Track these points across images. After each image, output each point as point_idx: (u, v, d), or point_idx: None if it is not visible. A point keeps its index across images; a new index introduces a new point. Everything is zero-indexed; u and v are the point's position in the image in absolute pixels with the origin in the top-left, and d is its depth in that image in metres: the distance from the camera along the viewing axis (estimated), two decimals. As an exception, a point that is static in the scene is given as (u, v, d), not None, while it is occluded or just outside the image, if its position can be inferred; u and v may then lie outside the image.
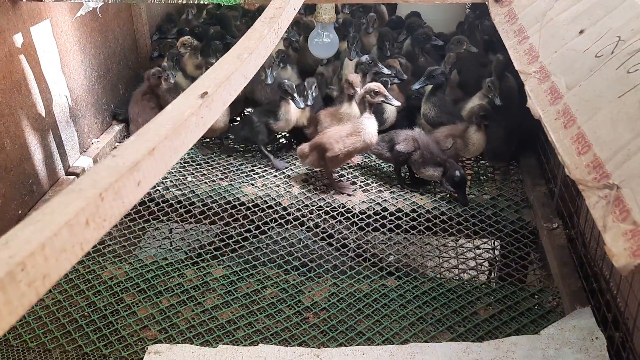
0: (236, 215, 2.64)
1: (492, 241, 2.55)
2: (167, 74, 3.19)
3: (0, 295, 0.63)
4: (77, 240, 0.76)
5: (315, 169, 2.94)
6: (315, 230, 2.57)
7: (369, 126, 2.69)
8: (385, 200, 2.73)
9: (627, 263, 1.07)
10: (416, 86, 2.96)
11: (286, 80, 2.98)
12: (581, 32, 1.77)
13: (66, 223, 0.74)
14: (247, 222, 2.61)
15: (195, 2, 3.08)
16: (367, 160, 3.10)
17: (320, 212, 2.65)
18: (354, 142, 2.68)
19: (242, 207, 2.69)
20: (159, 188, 2.82)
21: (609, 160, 1.30)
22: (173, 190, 2.82)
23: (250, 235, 2.53)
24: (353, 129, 2.70)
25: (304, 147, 2.81)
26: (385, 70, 2.99)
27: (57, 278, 0.72)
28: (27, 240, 0.69)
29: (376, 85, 2.68)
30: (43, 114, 2.65)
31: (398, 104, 2.74)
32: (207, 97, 1.17)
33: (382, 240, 2.52)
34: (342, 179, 2.92)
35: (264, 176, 2.95)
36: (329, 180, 2.83)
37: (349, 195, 2.76)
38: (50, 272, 0.71)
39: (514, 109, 2.85)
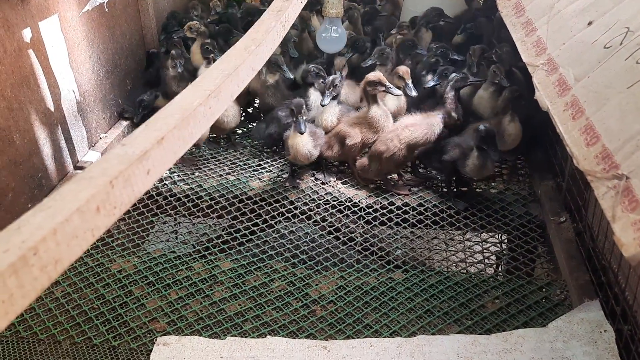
0: (243, 210, 2.65)
1: (500, 235, 2.54)
2: (175, 63, 3.19)
3: (13, 279, 0.64)
4: (88, 226, 0.77)
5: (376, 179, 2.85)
6: (322, 224, 2.57)
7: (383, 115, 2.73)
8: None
9: (637, 253, 1.07)
10: (430, 84, 2.91)
11: (297, 98, 2.85)
12: (589, 23, 1.76)
13: (77, 209, 0.75)
14: (254, 216, 2.62)
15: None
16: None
17: (327, 206, 2.66)
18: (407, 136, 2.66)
19: (249, 202, 2.70)
20: (167, 182, 2.83)
21: (618, 150, 1.30)
22: (180, 184, 2.83)
23: (257, 229, 2.54)
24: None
25: (364, 160, 2.79)
26: (395, 91, 2.89)
27: (68, 263, 0.73)
28: (39, 226, 0.70)
29: (374, 76, 2.69)
30: (52, 109, 2.67)
31: (399, 92, 2.74)
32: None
33: (389, 234, 2.52)
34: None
35: (270, 170, 2.95)
36: (386, 183, 2.80)
37: (406, 194, 2.74)
38: (62, 257, 0.72)
39: (523, 104, 2.83)
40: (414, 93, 2.81)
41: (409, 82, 2.83)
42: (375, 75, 2.69)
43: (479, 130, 2.48)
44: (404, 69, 2.85)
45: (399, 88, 2.78)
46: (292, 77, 3.16)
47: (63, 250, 0.72)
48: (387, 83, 2.67)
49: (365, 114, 2.75)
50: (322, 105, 2.83)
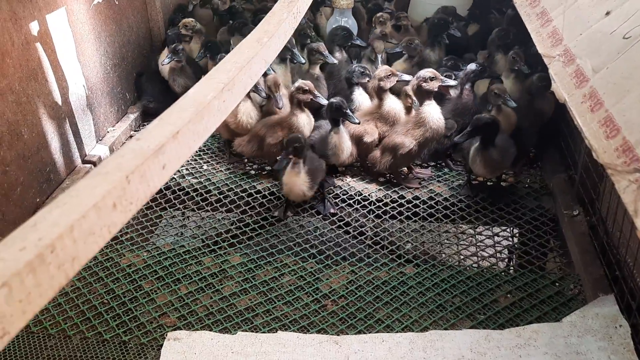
0: (253, 204, 2.63)
1: (512, 229, 2.52)
2: (171, 56, 3.15)
3: (30, 277, 0.62)
4: (105, 222, 0.75)
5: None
6: (332, 218, 2.55)
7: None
8: (402, 187, 2.71)
9: (661, 248, 1.04)
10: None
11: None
12: (607, 13, 1.73)
13: (94, 205, 0.73)
14: (263, 210, 2.60)
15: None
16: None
17: (337, 200, 2.64)
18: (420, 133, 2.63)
19: (258, 195, 2.68)
20: (175, 176, 2.82)
21: (639, 143, 1.27)
22: (189, 178, 2.82)
23: (267, 223, 2.52)
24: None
25: (375, 153, 2.75)
26: (406, 77, 2.79)
27: (85, 261, 0.71)
28: (55, 223, 0.69)
29: (385, 70, 2.69)
30: (59, 103, 2.65)
31: (409, 77, 2.73)
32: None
33: (400, 228, 2.49)
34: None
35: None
36: (397, 177, 2.77)
37: (416, 188, 2.71)
38: (79, 254, 0.70)
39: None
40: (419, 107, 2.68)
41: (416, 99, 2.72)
42: (386, 69, 2.68)
43: (474, 119, 2.42)
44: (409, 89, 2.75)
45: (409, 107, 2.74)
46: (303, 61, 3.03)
47: (80, 248, 0.70)
48: (399, 73, 2.66)
49: (377, 108, 2.73)
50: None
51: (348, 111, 2.51)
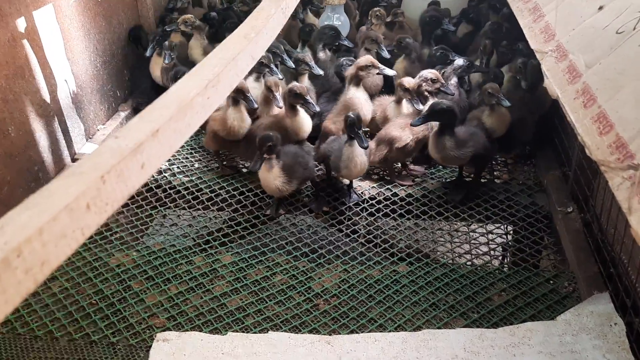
0: (245, 202, 2.60)
1: (505, 226, 2.50)
2: (165, 54, 3.12)
3: (-5, 283, 0.59)
4: (78, 225, 0.72)
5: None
6: (324, 216, 2.52)
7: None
8: (395, 185, 2.68)
9: (655, 246, 1.02)
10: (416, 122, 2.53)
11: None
12: (600, 8, 1.70)
13: (66, 207, 0.70)
14: (255, 208, 2.57)
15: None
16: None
17: (329, 197, 2.61)
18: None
19: (250, 194, 2.65)
20: (166, 175, 2.79)
21: (632, 139, 1.25)
22: (180, 177, 2.78)
23: (259, 222, 2.49)
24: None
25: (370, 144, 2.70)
26: (389, 72, 2.81)
27: (56, 265, 0.68)
28: (23, 225, 0.66)
29: (365, 60, 2.70)
30: (48, 100, 2.61)
31: (393, 72, 2.74)
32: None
33: (393, 226, 2.47)
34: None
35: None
36: (390, 173, 2.75)
37: (409, 185, 2.69)
38: (50, 258, 0.67)
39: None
40: (420, 106, 2.65)
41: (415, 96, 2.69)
42: (367, 59, 2.70)
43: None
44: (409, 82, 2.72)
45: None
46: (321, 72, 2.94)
47: (50, 251, 0.67)
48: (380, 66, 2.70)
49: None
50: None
51: (360, 132, 2.37)
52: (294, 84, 2.64)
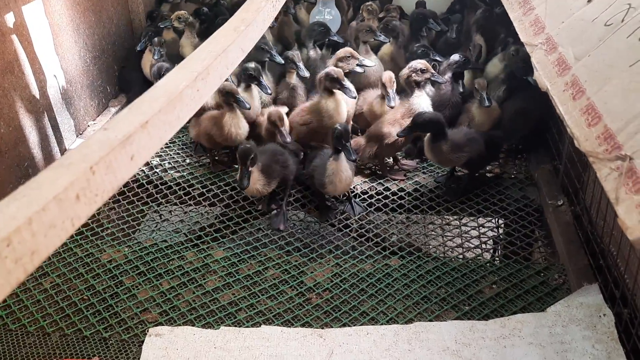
0: (236, 197, 2.60)
1: (497, 219, 2.51)
2: (154, 50, 3.09)
3: (-16, 272, 0.59)
4: (67, 215, 0.72)
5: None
6: (316, 210, 2.53)
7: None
8: (387, 179, 2.69)
9: (642, 235, 1.03)
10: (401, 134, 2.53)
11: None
12: (589, 1, 1.71)
13: (54, 197, 0.70)
14: (247, 203, 2.57)
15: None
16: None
17: (314, 192, 2.61)
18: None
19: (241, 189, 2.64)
20: (157, 170, 2.78)
21: (620, 131, 1.26)
22: (172, 172, 2.78)
23: (251, 217, 2.49)
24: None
25: (359, 139, 2.71)
26: (368, 63, 2.82)
27: (46, 254, 0.68)
28: (12, 216, 0.65)
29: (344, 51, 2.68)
30: (37, 96, 2.60)
31: (372, 64, 2.74)
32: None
33: (385, 220, 2.48)
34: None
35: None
36: (382, 168, 2.75)
37: (401, 180, 2.69)
38: (39, 248, 0.67)
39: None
40: (392, 103, 2.63)
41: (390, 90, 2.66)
42: (346, 50, 2.72)
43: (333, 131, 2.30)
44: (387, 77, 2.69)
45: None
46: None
47: (40, 241, 0.67)
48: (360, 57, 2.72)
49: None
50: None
51: (348, 144, 2.29)
52: (331, 67, 2.58)
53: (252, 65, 2.68)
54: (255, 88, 2.72)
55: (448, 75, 2.78)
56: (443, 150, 2.43)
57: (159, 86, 1.04)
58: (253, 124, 2.76)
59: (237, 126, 2.61)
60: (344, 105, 2.59)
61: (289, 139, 2.52)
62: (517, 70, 2.75)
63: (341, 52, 2.74)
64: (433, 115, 2.44)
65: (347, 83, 2.55)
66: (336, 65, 2.69)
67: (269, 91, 2.73)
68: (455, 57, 2.78)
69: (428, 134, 2.46)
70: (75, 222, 0.73)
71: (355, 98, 2.60)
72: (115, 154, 0.82)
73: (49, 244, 0.69)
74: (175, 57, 3.28)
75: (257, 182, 2.31)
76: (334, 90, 2.55)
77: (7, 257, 0.62)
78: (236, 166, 2.81)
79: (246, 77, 2.69)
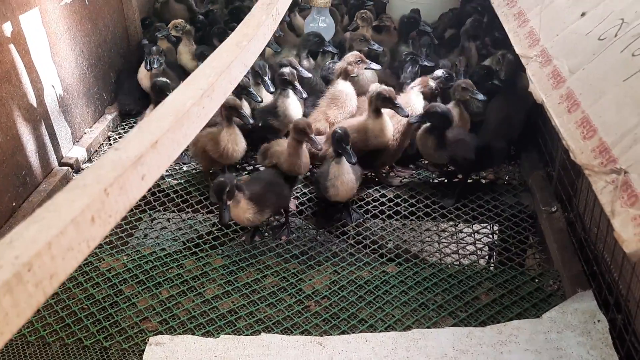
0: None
1: (491, 226, 2.55)
2: (152, 59, 3.08)
3: (7, 298, 0.61)
4: (84, 237, 0.74)
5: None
6: (314, 217, 2.55)
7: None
8: (383, 186, 2.72)
9: (638, 249, 1.06)
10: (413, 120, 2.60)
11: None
12: (583, 14, 1.75)
13: (72, 220, 0.72)
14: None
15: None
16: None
17: (318, 199, 2.63)
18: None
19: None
20: (155, 178, 2.78)
21: (615, 144, 1.29)
22: (169, 179, 2.79)
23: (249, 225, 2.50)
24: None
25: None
26: (374, 66, 2.91)
27: (64, 277, 0.70)
28: (32, 240, 0.67)
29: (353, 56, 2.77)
30: (34, 104, 2.60)
31: (378, 67, 2.85)
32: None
33: (382, 227, 2.50)
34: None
35: (259, 166, 2.91)
36: (378, 175, 2.78)
37: (397, 186, 2.72)
38: (58, 271, 0.69)
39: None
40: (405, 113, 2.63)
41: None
42: (355, 54, 2.80)
43: (333, 133, 2.31)
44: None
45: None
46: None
47: (58, 264, 0.69)
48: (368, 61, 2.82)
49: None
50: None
51: (348, 147, 2.26)
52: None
53: (287, 70, 2.69)
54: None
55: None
56: (428, 145, 2.56)
57: (166, 104, 1.06)
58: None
59: (235, 142, 2.52)
60: (390, 126, 2.57)
61: (320, 146, 2.38)
62: (477, 76, 2.87)
63: (351, 56, 2.81)
64: (445, 110, 2.53)
65: (399, 102, 2.51)
66: (345, 69, 2.76)
67: (304, 95, 2.73)
68: (438, 72, 2.82)
69: (426, 126, 2.56)
70: (90, 243, 0.75)
71: (407, 117, 2.54)
72: (128, 175, 0.84)
73: (66, 267, 0.70)
74: (172, 65, 3.30)
75: (246, 211, 2.19)
76: (381, 110, 2.51)
77: (29, 282, 0.64)
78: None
79: (281, 81, 2.69)
